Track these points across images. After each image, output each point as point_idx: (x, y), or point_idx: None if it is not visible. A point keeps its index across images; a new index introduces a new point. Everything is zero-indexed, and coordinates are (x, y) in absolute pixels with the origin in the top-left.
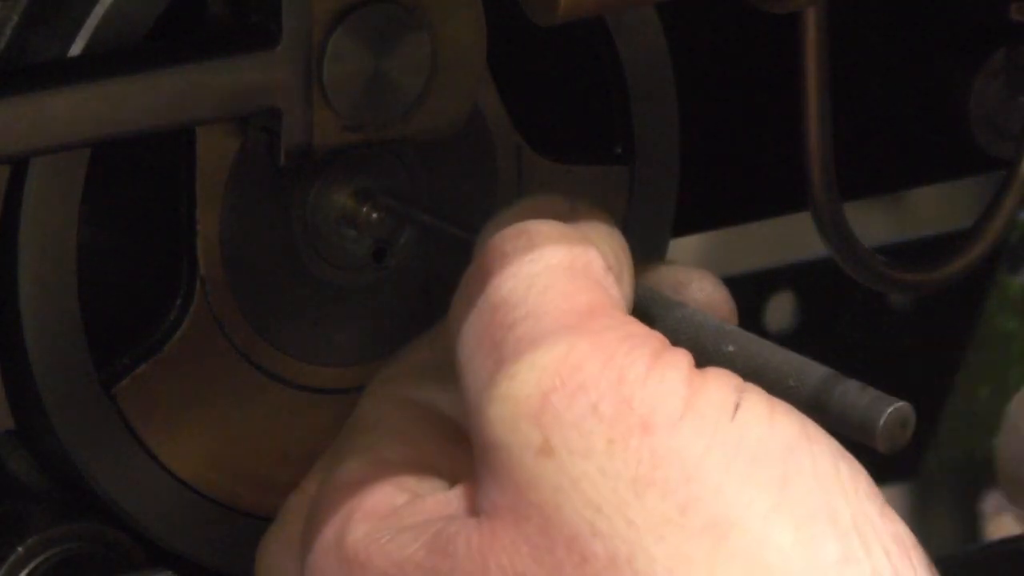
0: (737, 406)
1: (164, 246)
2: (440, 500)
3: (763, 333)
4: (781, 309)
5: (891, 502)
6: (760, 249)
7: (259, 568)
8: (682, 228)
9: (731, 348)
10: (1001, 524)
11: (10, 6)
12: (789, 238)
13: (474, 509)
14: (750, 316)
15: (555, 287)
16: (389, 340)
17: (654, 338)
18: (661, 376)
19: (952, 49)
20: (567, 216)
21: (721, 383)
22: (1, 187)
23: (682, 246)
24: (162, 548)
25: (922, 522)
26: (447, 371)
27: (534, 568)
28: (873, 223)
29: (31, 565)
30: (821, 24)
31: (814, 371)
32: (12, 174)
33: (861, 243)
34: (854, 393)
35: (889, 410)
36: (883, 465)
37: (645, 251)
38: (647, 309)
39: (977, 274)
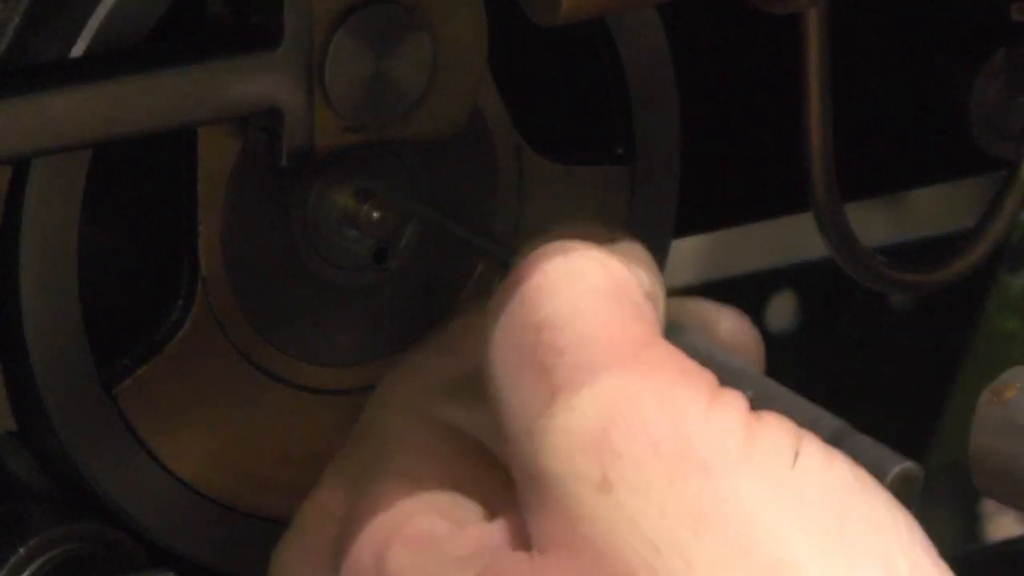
0: (797, 454)
1: (165, 247)
2: (484, 530)
3: (764, 333)
4: (781, 309)
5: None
6: (760, 249)
7: None
8: (683, 228)
9: (749, 392)
10: (1001, 524)
11: (11, 7)
12: (790, 238)
13: (522, 541)
14: (750, 317)
15: (602, 312)
16: (390, 340)
17: (708, 375)
18: (720, 417)
19: (952, 49)
20: (604, 241)
21: (780, 427)
22: (2, 188)
23: (683, 246)
24: (162, 548)
25: (922, 522)
26: (466, 388)
27: None
28: (873, 223)
29: (32, 566)
30: (822, 24)
31: (828, 422)
32: (14, 175)
33: (861, 243)
34: (864, 447)
35: (896, 469)
36: None
37: None
38: (671, 344)
39: (977, 274)
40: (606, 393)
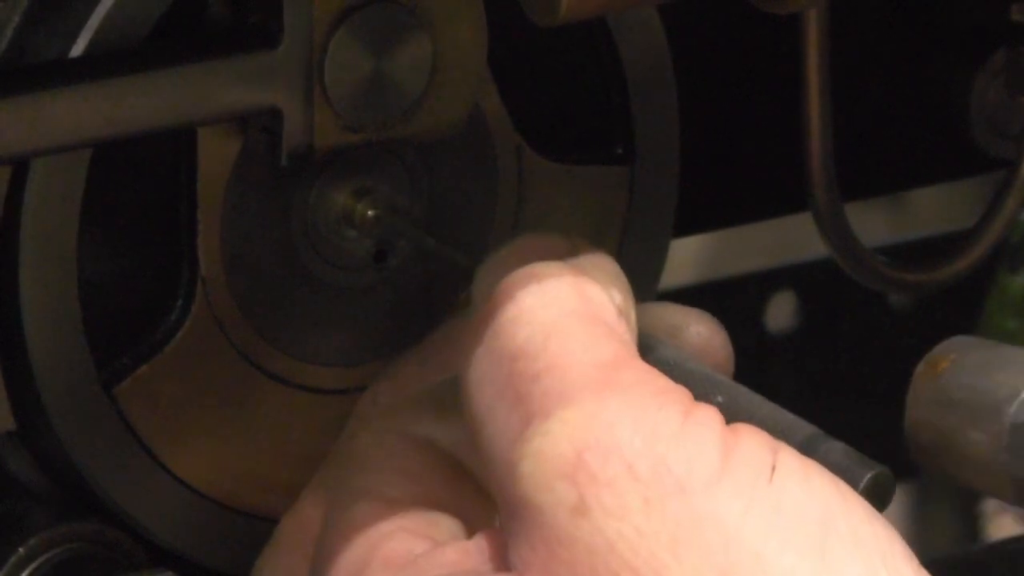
0: (774, 468)
1: (165, 246)
2: (460, 550)
3: (763, 333)
4: (781, 309)
5: (891, 502)
6: (760, 249)
7: None
8: (683, 228)
9: (720, 399)
10: (1001, 524)
11: (11, 6)
12: (789, 238)
13: (500, 564)
14: (750, 317)
15: (575, 337)
16: (389, 340)
17: (681, 392)
18: (694, 434)
19: (952, 49)
20: (569, 255)
21: (755, 442)
22: (2, 188)
23: (683, 246)
24: (162, 548)
25: (922, 522)
26: (441, 401)
27: None
28: (873, 223)
29: (32, 565)
30: (822, 24)
31: (800, 429)
32: (13, 175)
33: (861, 243)
34: (837, 454)
35: (869, 475)
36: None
37: (646, 252)
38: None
39: (977, 274)
40: (579, 416)
